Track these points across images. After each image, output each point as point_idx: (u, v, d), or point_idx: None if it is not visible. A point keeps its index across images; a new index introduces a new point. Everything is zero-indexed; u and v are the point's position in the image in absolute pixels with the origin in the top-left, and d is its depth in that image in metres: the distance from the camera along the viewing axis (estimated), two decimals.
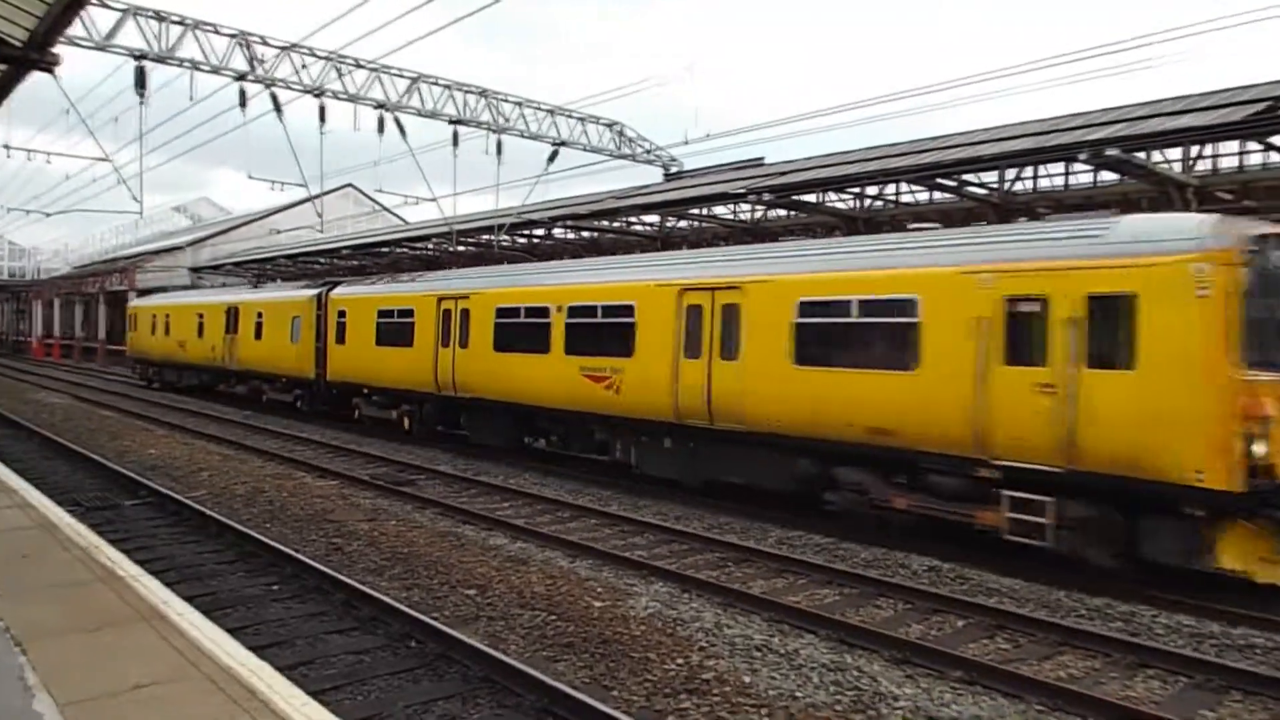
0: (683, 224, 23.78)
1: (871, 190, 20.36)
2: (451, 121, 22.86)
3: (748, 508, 13.55)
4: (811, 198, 20.13)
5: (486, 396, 18.12)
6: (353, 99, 22.12)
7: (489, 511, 13.21)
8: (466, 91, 22.95)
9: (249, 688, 4.89)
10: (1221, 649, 8.04)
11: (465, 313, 18.75)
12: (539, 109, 23.91)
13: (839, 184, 19.36)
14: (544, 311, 16.59)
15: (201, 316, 30.84)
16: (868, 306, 11.64)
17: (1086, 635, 8.12)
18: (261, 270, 42.20)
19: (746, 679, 7.10)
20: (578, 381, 15.58)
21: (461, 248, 25.77)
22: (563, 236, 26.38)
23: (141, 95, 20.21)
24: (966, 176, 18.05)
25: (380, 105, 22.25)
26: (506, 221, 23.39)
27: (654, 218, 23.60)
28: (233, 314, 28.57)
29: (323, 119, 21.77)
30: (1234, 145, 17.39)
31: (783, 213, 21.71)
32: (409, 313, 20.42)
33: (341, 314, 22.97)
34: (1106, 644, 7.94)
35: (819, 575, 10.19)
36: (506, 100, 23.28)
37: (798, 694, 6.83)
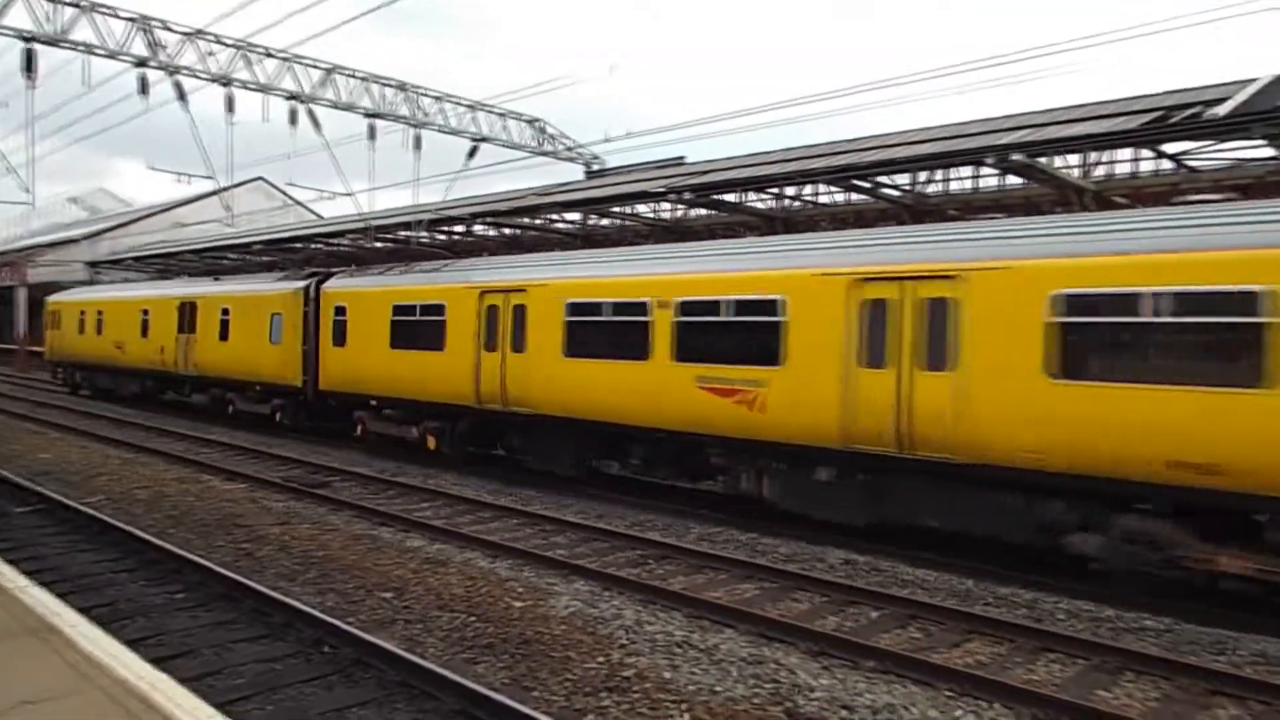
0: (605, 222, 23.76)
1: (790, 191, 20.69)
2: (368, 114, 22.30)
3: (670, 505, 13.62)
4: (732, 197, 20.34)
5: (549, 412, 14.64)
6: (263, 89, 21.34)
7: (407, 513, 12.95)
8: (384, 84, 22.43)
9: (147, 701, 4.66)
10: (1118, 631, 8.45)
11: (519, 310, 15.26)
12: (459, 104, 23.56)
13: (758, 184, 19.60)
14: (640, 308, 13.25)
15: (146, 313, 26.80)
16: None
17: (993, 622, 8.42)
18: (166, 266, 39.88)
19: (667, 675, 7.13)
20: (692, 395, 12.48)
21: (379, 244, 25.17)
22: (483, 233, 26.03)
23: (30, 79, 19.10)
24: (881, 178, 18.51)
25: (292, 96, 21.55)
26: (425, 217, 22.93)
27: (576, 215, 23.50)
28: (188, 310, 24.51)
29: (230, 109, 20.97)
30: (1129, 152, 18.26)
31: (704, 211, 21.89)
32: (437, 309, 16.84)
33: (340, 310, 19.37)
34: (1012, 630, 8.25)
35: (739, 570, 10.31)
36: (426, 94, 22.84)
37: (717, 688, 6.89)
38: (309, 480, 15.42)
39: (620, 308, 13.66)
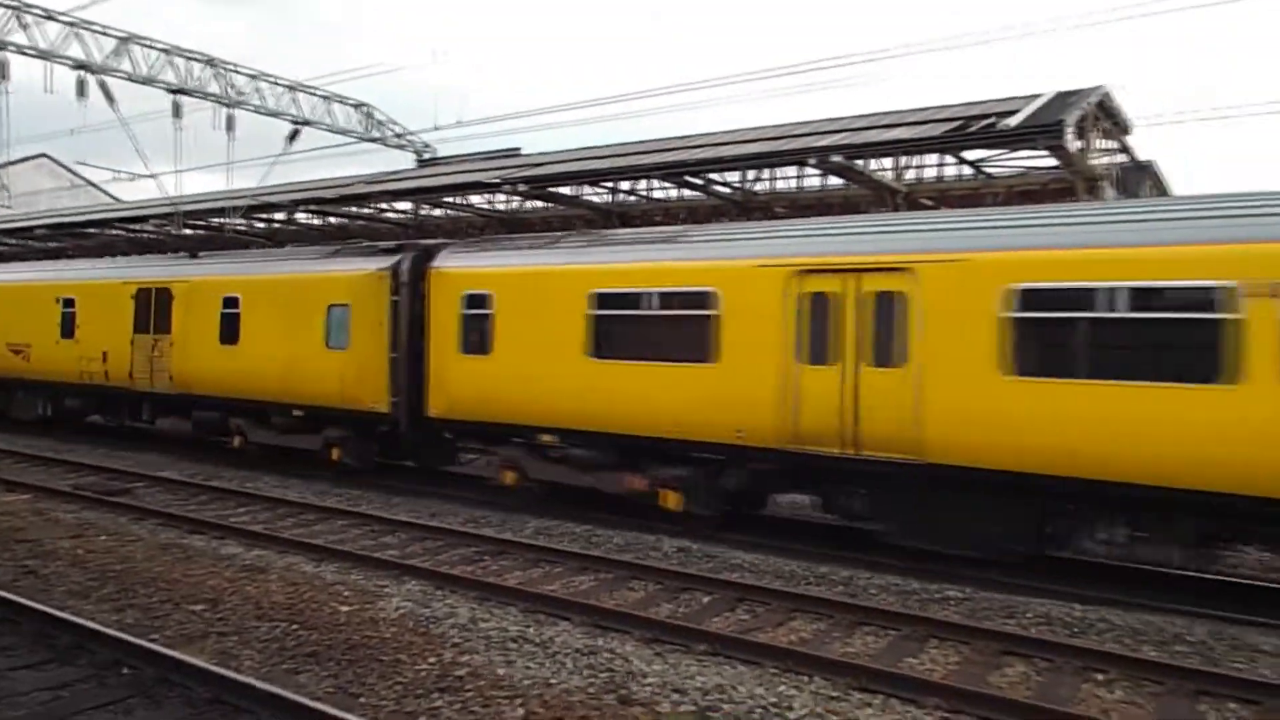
0: (438, 213, 23.13)
1: (625, 185, 20.93)
2: (171, 90, 20.53)
3: (504, 501, 13.45)
4: (568, 190, 20.33)
5: (975, 462, 9.55)
6: (44, 56, 19.18)
7: (221, 518, 12.11)
8: (190, 58, 20.71)
9: None
10: (924, 602, 9.10)
11: (887, 302, 10.19)
12: (277, 83, 22.16)
13: (594, 178, 19.70)
14: (1202, 297, 8.51)
15: (69, 304, 19.85)
16: None
17: (814, 600, 8.87)
18: None
19: (501, 671, 7.03)
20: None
21: (188, 230, 23.31)
22: (306, 221, 24.68)
23: None
24: (712, 175, 19.04)
25: (81, 65, 19.51)
26: (242, 203, 21.45)
27: (407, 205, 22.74)
28: (155, 300, 17.93)
29: (3, 76, 18.72)
30: (935, 157, 19.67)
31: (540, 204, 21.75)
32: (697, 299, 11.40)
33: (476, 301, 13.43)
34: (831, 607, 8.72)
35: (575, 562, 10.33)
36: (239, 71, 21.33)
37: (552, 681, 6.86)
38: (107, 488, 14.10)
39: (1142, 296, 8.88)
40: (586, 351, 12.17)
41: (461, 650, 7.46)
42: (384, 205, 22.74)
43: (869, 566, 10.19)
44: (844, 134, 17.79)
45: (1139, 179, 17.82)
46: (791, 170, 21.02)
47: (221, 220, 22.69)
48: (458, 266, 13.95)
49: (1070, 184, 17.94)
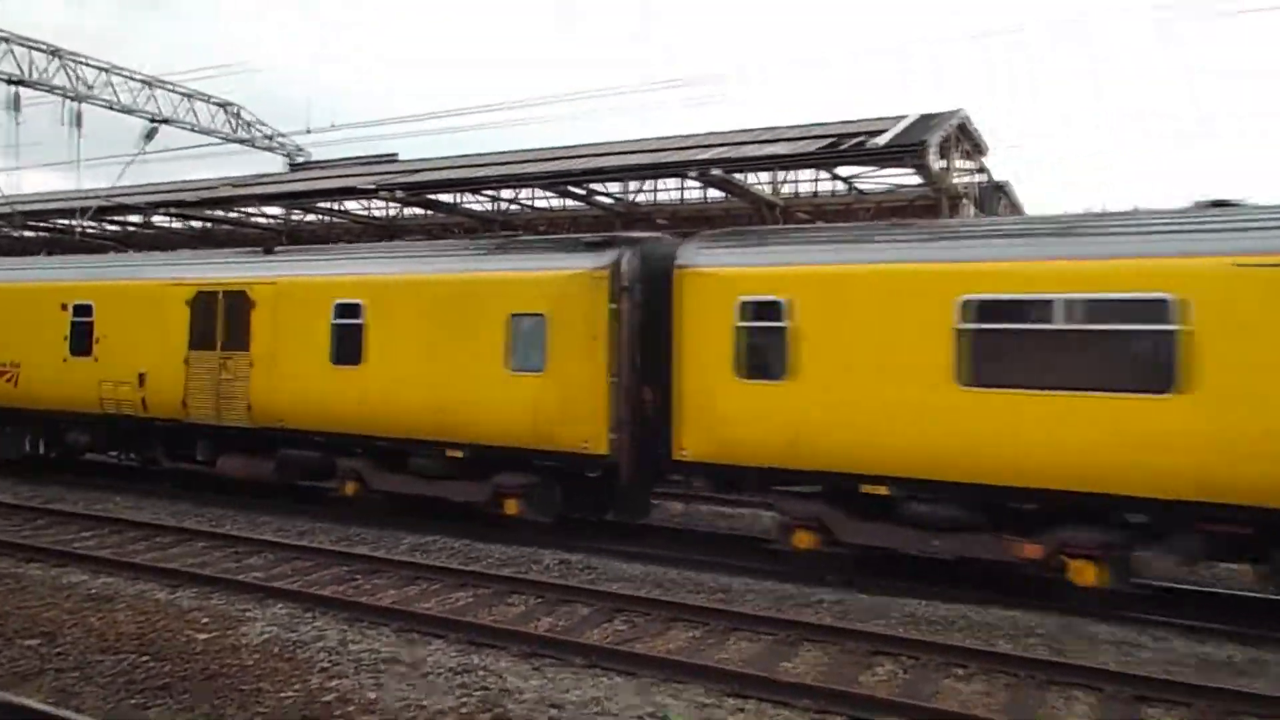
0: (311, 218, 22.30)
1: (507, 194, 20.73)
2: (10, 82, 19.01)
3: (376, 516, 13.01)
4: (447, 197, 19.97)
5: None
6: None
7: (63, 544, 11.23)
8: (32, 47, 19.24)
9: None
10: (798, 607, 9.32)
11: None
12: (132, 78, 20.84)
13: (475, 185, 19.44)
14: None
15: (85, 312, 15.36)
16: None
17: (692, 609, 8.94)
18: None
19: (372, 695, 6.77)
20: None
21: (29, 233, 21.58)
22: (166, 225, 23.29)
23: None
24: (594, 186, 19.10)
25: None
26: (92, 205, 20.05)
27: (277, 210, 21.82)
28: (233, 307, 13.84)
29: None
30: (810, 172, 20.36)
31: (419, 211, 21.28)
32: (1155, 310, 8.65)
33: (764, 310, 10.34)
34: (708, 614, 8.80)
35: (452, 579, 10.08)
36: (88, 63, 19.94)
37: (425, 702, 6.65)
38: None
39: None
40: (955, 378, 9.30)
41: (330, 675, 7.15)
42: (251, 210, 21.75)
43: (749, 574, 10.36)
44: (724, 148, 18.20)
45: (996, 198, 18.98)
46: (673, 182, 21.33)
47: (68, 222, 21.15)
48: (729, 265, 10.67)
49: (935, 201, 18.90)
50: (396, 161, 21.46)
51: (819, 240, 11.02)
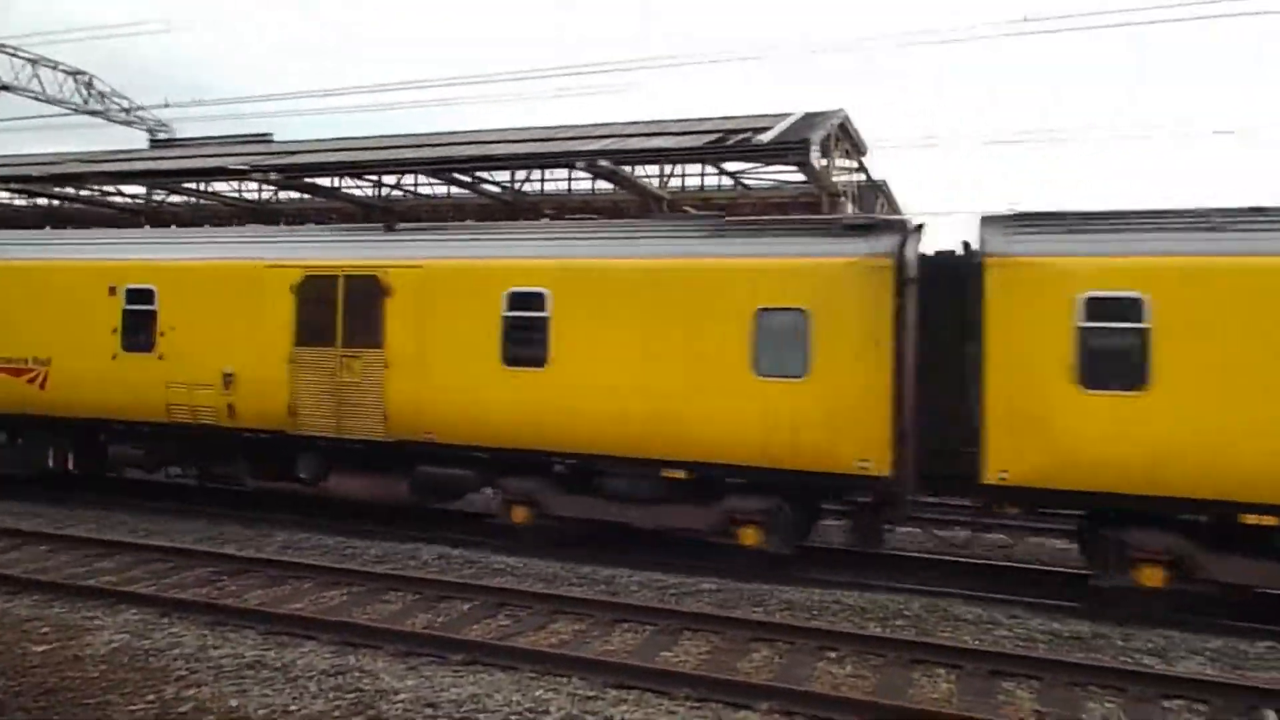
0: (175, 199, 20.99)
1: (389, 179, 20.08)
2: None
3: (249, 514, 12.42)
4: (325, 181, 19.17)
5: None
6: None
7: None
8: None
9: None
10: (680, 596, 9.40)
11: None
12: None
13: (356, 170, 18.73)
14: None
15: (145, 297, 12.79)
16: None
17: (576, 601, 8.89)
18: None
19: (234, 702, 6.42)
20: None
21: None
22: (7, 202, 21.45)
23: None
24: (481, 174, 18.72)
25: None
26: None
27: (138, 189, 20.44)
28: (358, 295, 11.64)
29: None
30: (697, 167, 20.56)
31: (295, 195, 20.36)
32: None
33: (1115, 309, 8.92)
34: (592, 606, 8.77)
35: (327, 577, 9.70)
36: None
37: (292, 708, 6.36)
38: None
39: None
40: None
41: (187, 683, 6.75)
42: (109, 188, 20.31)
43: (631, 564, 10.38)
44: (611, 139, 18.14)
45: (874, 196, 19.64)
46: (561, 172, 21.15)
47: None
48: (1064, 255, 9.15)
49: (817, 198, 19.41)
50: (270, 142, 20.45)
51: (1181, 226, 9.14)
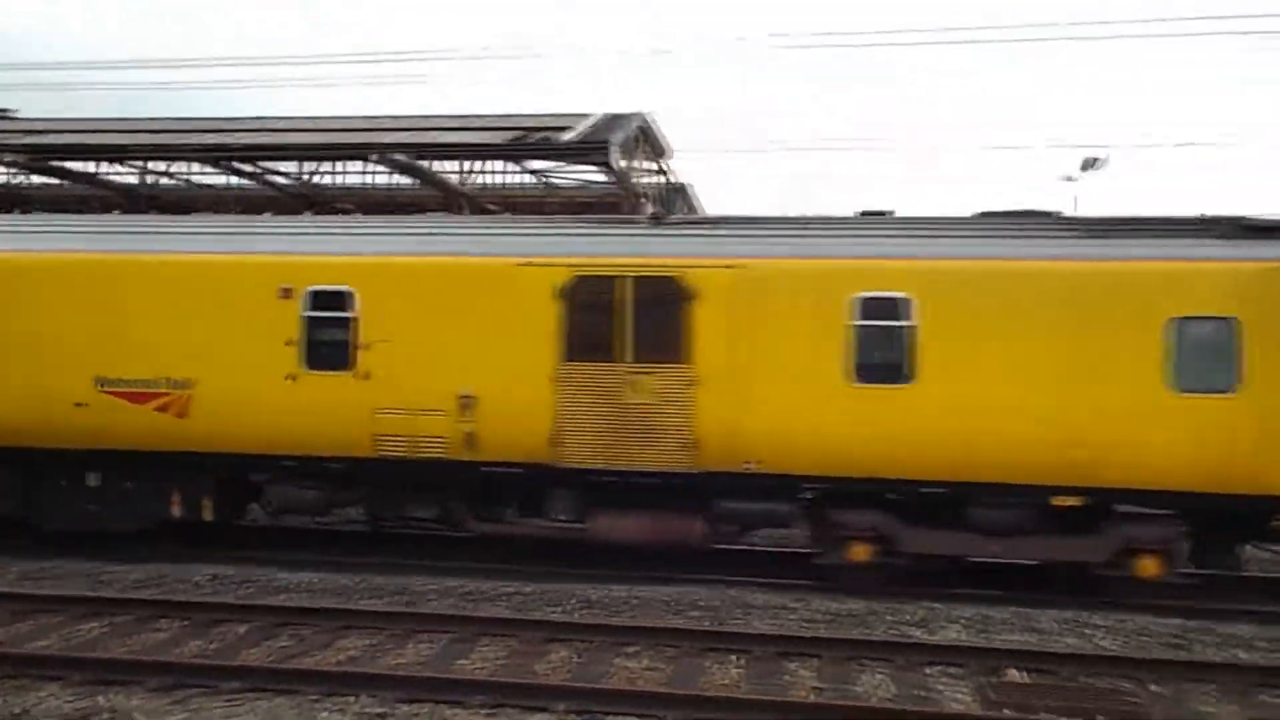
0: None
1: (160, 165, 18.39)
2: None
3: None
4: (80, 165, 17.27)
5: None
6: None
7: None
8: None
9: None
10: (479, 602, 9.23)
11: None
12: None
13: (119, 154, 17.00)
14: None
15: (336, 302, 10.30)
16: None
17: (367, 615, 8.49)
18: None
19: None
20: None
21: None
22: None
23: None
24: (266, 163, 17.54)
25: None
26: None
27: None
28: (652, 300, 9.87)
29: None
30: (500, 164, 20.27)
31: (45, 179, 18.19)
32: None
33: None
34: (385, 619, 8.40)
35: (81, 608, 8.68)
36: None
37: None
38: None
39: None
40: None
41: None
42: None
43: (430, 572, 10.05)
44: (410, 132, 17.56)
45: (677, 199, 20.18)
46: (358, 165, 20.20)
47: None
48: None
49: (621, 199, 19.67)
50: (13, 119, 18.15)
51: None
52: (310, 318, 10.27)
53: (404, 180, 19.74)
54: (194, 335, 10.37)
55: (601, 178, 19.49)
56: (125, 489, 10.74)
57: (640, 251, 10.09)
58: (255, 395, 10.26)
